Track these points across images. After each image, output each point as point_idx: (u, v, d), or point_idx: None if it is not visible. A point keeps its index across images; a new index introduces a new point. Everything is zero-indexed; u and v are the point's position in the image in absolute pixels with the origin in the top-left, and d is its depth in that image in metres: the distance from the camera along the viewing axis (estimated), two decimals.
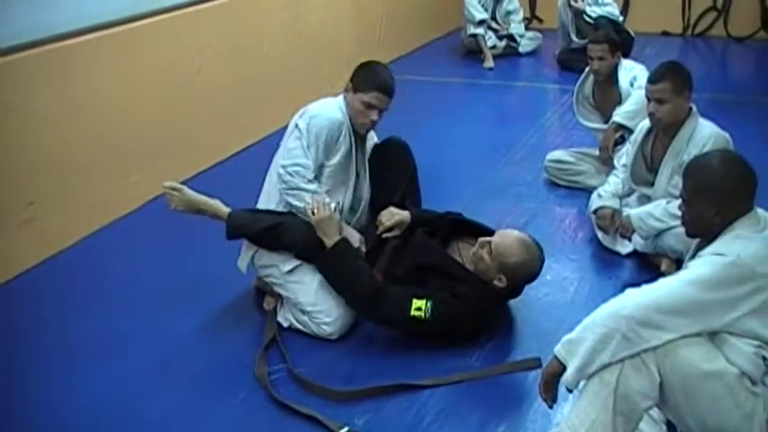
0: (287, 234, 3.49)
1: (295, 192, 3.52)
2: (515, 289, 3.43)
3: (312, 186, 3.52)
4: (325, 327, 3.44)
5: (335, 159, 3.61)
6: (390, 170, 3.81)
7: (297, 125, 3.59)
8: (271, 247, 3.53)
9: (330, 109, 3.63)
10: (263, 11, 6.02)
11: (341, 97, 3.68)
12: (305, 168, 3.52)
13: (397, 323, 3.32)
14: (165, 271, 4.11)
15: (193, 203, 3.70)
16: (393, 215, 3.59)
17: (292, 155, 3.55)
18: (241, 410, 3.05)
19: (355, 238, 3.58)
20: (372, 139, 3.88)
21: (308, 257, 3.49)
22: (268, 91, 5.99)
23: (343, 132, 3.61)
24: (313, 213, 3.42)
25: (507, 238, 3.36)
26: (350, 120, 3.63)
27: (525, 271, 3.36)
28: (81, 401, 3.12)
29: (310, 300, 3.46)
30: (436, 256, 3.45)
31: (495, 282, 3.32)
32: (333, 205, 3.47)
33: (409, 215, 3.60)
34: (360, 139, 3.73)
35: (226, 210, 3.66)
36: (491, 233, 3.47)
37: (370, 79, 3.60)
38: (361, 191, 3.77)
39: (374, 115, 3.60)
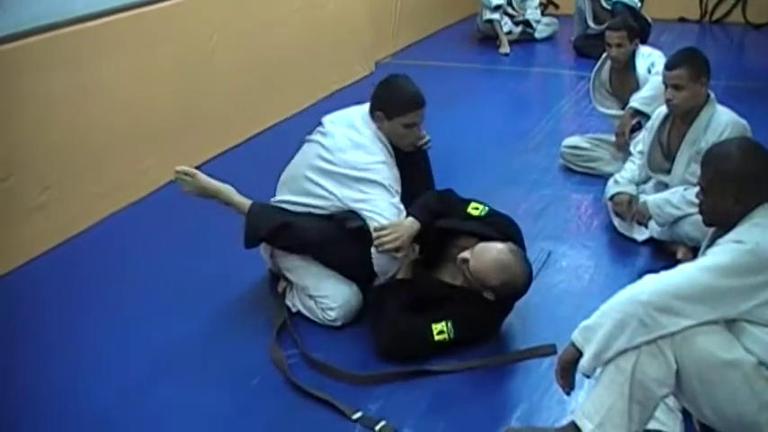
0: (302, 234, 3.43)
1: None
2: (510, 298, 3.31)
3: None
4: (330, 312, 3.42)
5: None
6: (397, 155, 3.59)
7: (367, 191, 3.35)
8: (286, 246, 3.49)
9: (378, 154, 3.43)
10: None
11: (374, 131, 3.49)
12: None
13: (425, 353, 3.21)
14: (178, 255, 4.12)
15: (206, 190, 3.67)
16: (393, 233, 3.30)
17: (389, 213, 3.31)
18: (254, 396, 3.05)
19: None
20: None
21: (325, 258, 3.45)
22: (282, 76, 5.98)
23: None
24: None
25: (481, 261, 3.15)
26: (391, 147, 3.49)
27: (508, 289, 3.21)
28: (93, 384, 3.13)
29: (316, 284, 3.45)
30: (429, 288, 3.37)
31: (485, 295, 3.22)
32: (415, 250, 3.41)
33: (417, 223, 3.35)
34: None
35: (239, 198, 3.62)
36: (479, 235, 3.30)
37: (401, 100, 3.44)
38: None
39: (419, 131, 3.50)
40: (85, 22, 4.36)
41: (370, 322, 3.35)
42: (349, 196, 3.39)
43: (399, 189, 3.42)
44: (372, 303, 3.37)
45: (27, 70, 4.02)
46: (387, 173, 3.41)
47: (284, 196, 3.61)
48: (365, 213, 3.34)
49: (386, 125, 3.47)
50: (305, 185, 3.53)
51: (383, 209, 3.32)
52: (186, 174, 3.67)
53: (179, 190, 3.67)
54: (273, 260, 3.66)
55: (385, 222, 3.28)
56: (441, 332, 3.19)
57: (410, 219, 3.35)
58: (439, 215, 3.43)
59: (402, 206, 3.38)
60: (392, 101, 3.45)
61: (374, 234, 3.29)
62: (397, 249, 3.29)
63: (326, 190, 3.45)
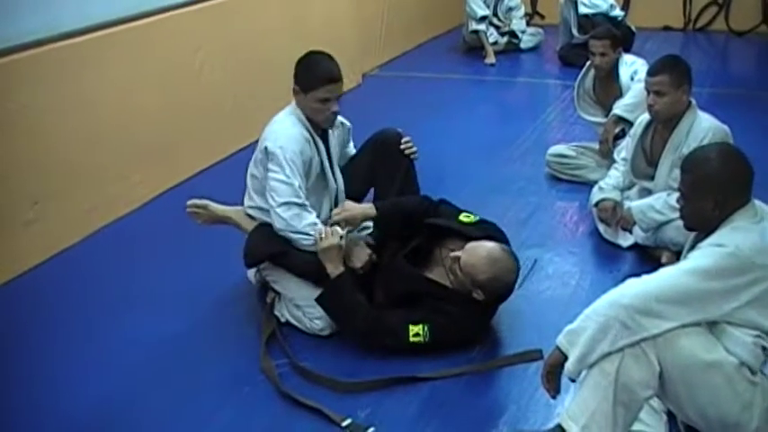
0: (300, 263, 3.46)
1: (296, 235, 3.42)
2: (498, 298, 3.35)
3: (309, 220, 3.42)
4: (317, 321, 3.44)
5: (313, 175, 3.57)
6: (384, 164, 3.77)
7: (268, 168, 3.46)
8: (283, 268, 3.54)
9: (290, 128, 3.52)
10: (264, 10, 6.03)
11: (291, 107, 3.59)
12: (295, 199, 3.41)
13: (398, 349, 3.27)
14: (169, 268, 4.14)
15: (219, 217, 3.81)
16: (343, 211, 3.53)
17: (277, 192, 3.41)
18: (245, 404, 3.07)
19: (363, 255, 3.49)
20: (339, 127, 3.77)
21: (313, 280, 3.49)
22: (268, 90, 5.98)
23: (311, 144, 3.54)
24: (321, 239, 3.38)
25: (474, 255, 3.24)
26: (310, 124, 3.55)
27: (498, 285, 3.26)
28: (85, 397, 3.14)
29: (303, 294, 3.47)
30: (416, 284, 3.38)
31: (474, 294, 3.26)
32: (342, 233, 3.42)
33: (373, 209, 3.52)
34: (324, 140, 3.63)
35: (247, 222, 3.69)
36: (470, 236, 3.38)
37: (315, 74, 3.48)
38: (339, 192, 3.74)
39: (333, 106, 3.50)
40: (73, 38, 4.38)
41: (340, 309, 3.36)
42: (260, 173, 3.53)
43: (295, 150, 3.45)
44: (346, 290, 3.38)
45: (15, 86, 4.04)
46: (283, 137, 3.47)
47: (248, 202, 3.71)
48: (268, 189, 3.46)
49: (302, 100, 3.53)
50: (249, 184, 3.66)
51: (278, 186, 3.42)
52: (197, 206, 3.80)
53: (168, 205, 3.70)
54: (260, 273, 3.69)
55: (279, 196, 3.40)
56: (416, 334, 3.23)
57: (369, 204, 3.53)
58: (410, 214, 3.52)
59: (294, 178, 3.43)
60: (307, 75, 3.50)
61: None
62: (342, 222, 3.48)
63: (257, 177, 3.59)
